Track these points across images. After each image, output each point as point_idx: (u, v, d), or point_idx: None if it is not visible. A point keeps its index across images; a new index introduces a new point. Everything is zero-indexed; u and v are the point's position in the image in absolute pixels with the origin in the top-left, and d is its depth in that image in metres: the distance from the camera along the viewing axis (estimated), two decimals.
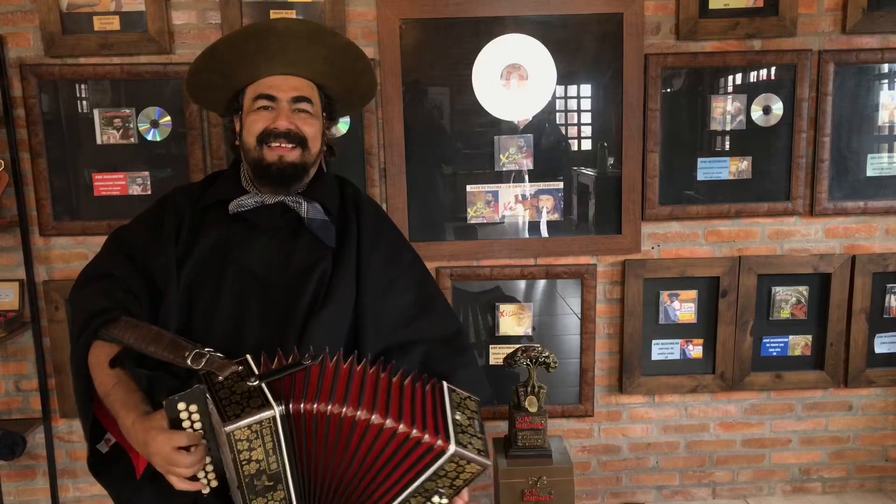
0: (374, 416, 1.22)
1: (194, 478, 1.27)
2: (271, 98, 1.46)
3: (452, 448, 1.24)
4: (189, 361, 1.27)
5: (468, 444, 1.27)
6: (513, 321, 2.68)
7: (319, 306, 1.42)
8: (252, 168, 1.49)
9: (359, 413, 1.22)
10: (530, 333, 2.70)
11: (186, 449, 1.24)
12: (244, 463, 1.17)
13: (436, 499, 1.30)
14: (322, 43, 1.48)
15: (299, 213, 1.48)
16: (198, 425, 1.25)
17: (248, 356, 1.27)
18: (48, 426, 2.62)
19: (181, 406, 1.23)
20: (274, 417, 1.17)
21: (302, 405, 1.20)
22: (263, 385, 1.21)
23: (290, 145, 1.45)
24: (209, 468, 1.27)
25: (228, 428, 1.14)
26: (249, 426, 1.15)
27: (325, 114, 1.55)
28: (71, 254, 2.57)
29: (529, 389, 2.44)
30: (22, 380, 2.66)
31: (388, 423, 1.23)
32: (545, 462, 2.42)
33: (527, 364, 2.42)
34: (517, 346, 2.50)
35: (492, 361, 2.69)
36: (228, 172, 1.58)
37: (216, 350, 1.30)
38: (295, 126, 1.46)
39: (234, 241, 1.46)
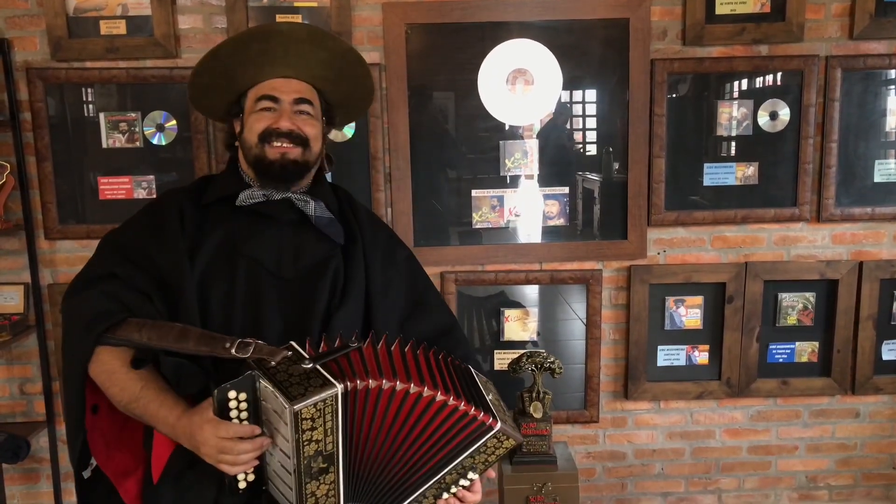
0: (426, 391, 1.27)
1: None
2: (274, 99, 1.50)
3: (499, 425, 1.32)
4: (234, 351, 1.26)
5: (506, 421, 1.34)
6: (517, 326, 2.67)
7: (339, 303, 1.46)
8: (253, 166, 1.51)
9: (412, 387, 1.26)
10: (535, 339, 2.69)
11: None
12: (305, 443, 1.19)
13: (469, 474, 1.36)
14: (323, 47, 1.51)
15: (305, 212, 1.51)
16: (244, 415, 1.25)
17: (293, 342, 1.29)
18: (52, 429, 2.62)
19: (231, 395, 1.24)
20: (336, 395, 1.20)
21: (359, 382, 1.23)
22: (318, 366, 1.23)
23: (291, 144, 1.48)
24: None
25: (297, 406, 1.15)
26: (315, 404, 1.17)
27: (324, 118, 1.58)
28: (76, 257, 2.57)
29: (534, 395, 2.43)
30: (26, 383, 2.66)
31: (441, 397, 1.28)
32: (550, 468, 2.41)
33: (532, 370, 2.41)
34: (522, 351, 2.50)
35: (496, 367, 2.69)
36: (226, 171, 1.60)
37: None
38: (297, 126, 1.49)
39: (243, 235, 1.47)
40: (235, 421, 1.25)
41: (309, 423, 1.18)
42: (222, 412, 1.24)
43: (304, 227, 1.51)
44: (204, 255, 1.43)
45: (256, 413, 1.25)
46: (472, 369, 1.45)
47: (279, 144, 1.48)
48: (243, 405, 1.25)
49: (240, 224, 1.49)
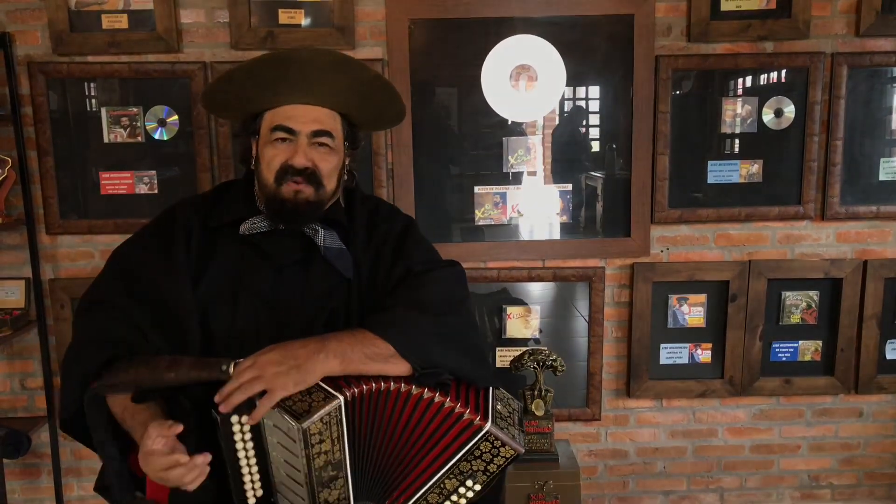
0: (419, 391, 1.29)
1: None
2: (290, 131, 1.42)
3: (488, 426, 1.31)
4: (232, 373, 1.25)
5: (505, 429, 1.34)
6: (520, 324, 2.66)
7: None
8: (266, 202, 1.45)
9: (402, 387, 1.29)
10: (537, 336, 2.68)
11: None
12: (315, 457, 1.21)
13: (469, 483, 1.35)
14: (347, 74, 1.43)
15: (315, 241, 1.46)
16: (248, 436, 1.26)
17: None
18: (53, 424, 2.61)
19: (234, 419, 1.24)
20: (339, 406, 1.22)
21: (355, 390, 1.25)
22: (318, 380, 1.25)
23: (305, 183, 1.42)
24: (255, 476, 1.28)
25: (305, 424, 1.17)
26: (321, 419, 1.19)
27: (346, 143, 1.51)
28: (77, 252, 2.56)
29: (536, 393, 2.42)
30: (27, 378, 2.65)
31: (428, 394, 1.30)
32: (552, 466, 2.40)
33: (534, 367, 2.41)
34: (524, 348, 2.49)
35: (498, 364, 2.67)
36: (239, 189, 1.53)
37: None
38: (312, 163, 1.42)
39: (247, 266, 1.43)
40: (240, 444, 1.25)
41: (317, 437, 1.20)
42: (228, 439, 1.25)
43: (313, 257, 1.46)
44: (207, 287, 1.40)
45: (258, 431, 1.25)
46: (493, 388, 1.43)
47: (294, 182, 1.41)
48: (246, 427, 1.25)
49: (246, 253, 1.44)
